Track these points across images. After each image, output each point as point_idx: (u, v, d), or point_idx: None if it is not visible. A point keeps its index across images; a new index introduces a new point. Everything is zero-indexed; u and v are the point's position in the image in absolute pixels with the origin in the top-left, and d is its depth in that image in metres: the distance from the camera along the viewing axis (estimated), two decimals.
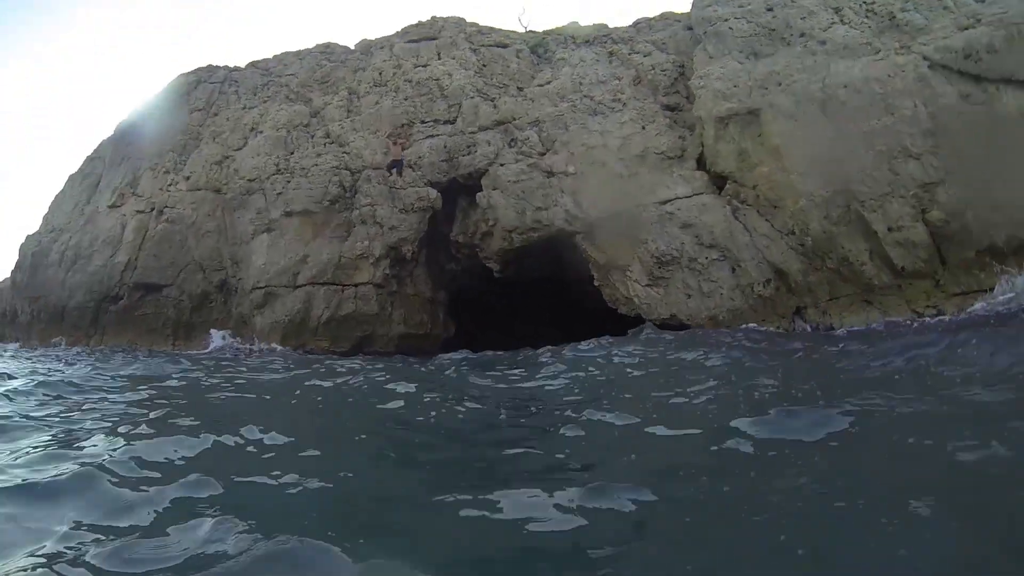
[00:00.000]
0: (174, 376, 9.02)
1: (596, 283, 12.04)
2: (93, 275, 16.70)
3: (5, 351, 15.89)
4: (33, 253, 18.59)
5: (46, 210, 19.90)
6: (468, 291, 14.91)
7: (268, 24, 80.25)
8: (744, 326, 10.39)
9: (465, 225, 13.92)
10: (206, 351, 14.55)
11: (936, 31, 10.89)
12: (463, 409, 6.09)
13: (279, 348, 13.69)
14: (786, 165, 10.72)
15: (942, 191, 9.57)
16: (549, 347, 10.87)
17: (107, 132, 20.17)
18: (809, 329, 10.26)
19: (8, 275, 20.01)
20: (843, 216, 10.15)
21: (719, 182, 11.65)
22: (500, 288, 14.32)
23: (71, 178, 19.82)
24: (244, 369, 10.33)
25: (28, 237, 19.36)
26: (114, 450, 3.98)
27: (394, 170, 14.26)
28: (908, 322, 9.39)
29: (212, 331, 15.36)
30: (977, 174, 9.41)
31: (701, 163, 11.99)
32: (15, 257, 19.24)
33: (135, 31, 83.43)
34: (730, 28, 12.83)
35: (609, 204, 11.95)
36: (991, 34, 9.91)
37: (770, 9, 12.80)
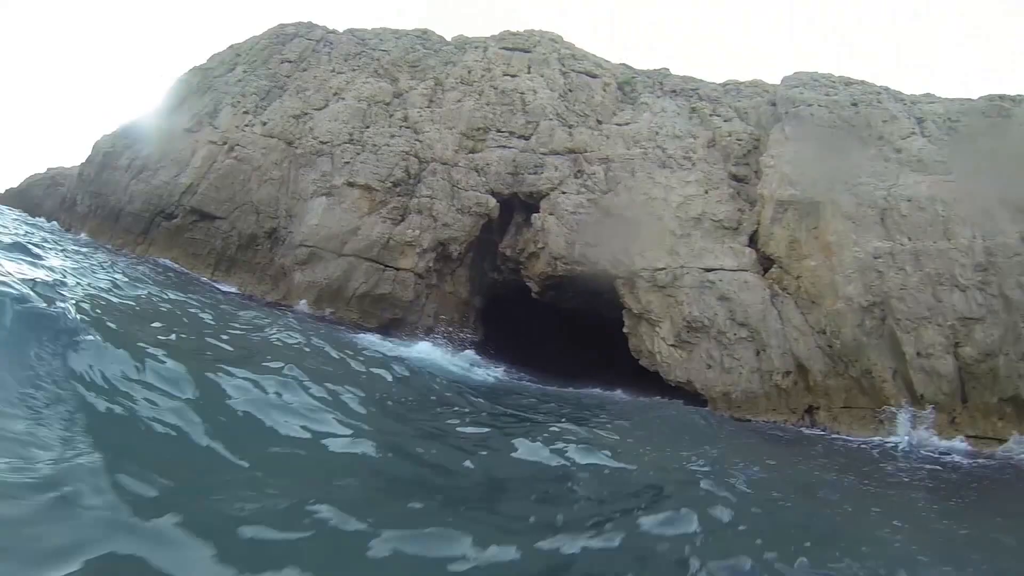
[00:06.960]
0: None
1: (625, 330, 12.35)
2: (155, 189, 17.49)
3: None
4: (105, 153, 19.46)
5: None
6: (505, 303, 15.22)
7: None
8: None
9: (515, 240, 14.32)
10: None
11: None
12: None
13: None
14: (833, 264, 10.89)
15: (979, 328, 9.64)
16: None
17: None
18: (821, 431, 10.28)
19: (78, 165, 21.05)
20: (876, 328, 10.28)
21: (766, 263, 11.85)
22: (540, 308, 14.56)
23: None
24: None
25: (103, 136, 20.19)
26: None
27: None
28: None
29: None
30: (1018, 320, 9.51)
31: (753, 240, 12.21)
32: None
33: None
34: (811, 114, 13.01)
35: (656, 258, 12.24)
36: None
37: (854, 104, 12.96)
